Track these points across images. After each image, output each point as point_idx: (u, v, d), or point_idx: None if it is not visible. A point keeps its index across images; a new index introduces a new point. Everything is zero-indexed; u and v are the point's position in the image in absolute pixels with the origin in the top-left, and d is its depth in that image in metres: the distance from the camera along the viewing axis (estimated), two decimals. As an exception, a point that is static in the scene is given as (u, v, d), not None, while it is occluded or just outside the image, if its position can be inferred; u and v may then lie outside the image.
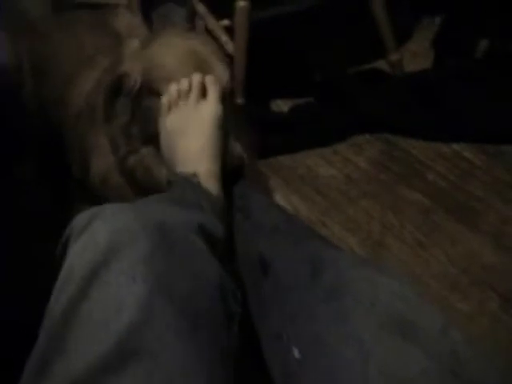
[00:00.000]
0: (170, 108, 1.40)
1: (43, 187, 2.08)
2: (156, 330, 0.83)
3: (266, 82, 2.24)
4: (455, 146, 2.15)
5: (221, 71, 1.42)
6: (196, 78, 1.38)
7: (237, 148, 1.35)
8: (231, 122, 1.41)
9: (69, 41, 2.00)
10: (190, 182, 1.25)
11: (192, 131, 1.33)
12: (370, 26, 2.24)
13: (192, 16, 2.53)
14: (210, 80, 1.38)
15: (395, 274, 1.04)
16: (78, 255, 0.91)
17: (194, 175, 1.27)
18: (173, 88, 1.39)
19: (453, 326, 0.87)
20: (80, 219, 0.97)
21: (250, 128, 1.68)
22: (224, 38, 2.22)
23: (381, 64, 2.42)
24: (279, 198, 1.77)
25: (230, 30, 2.23)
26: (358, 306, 0.92)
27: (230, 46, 2.17)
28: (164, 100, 1.40)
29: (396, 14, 2.30)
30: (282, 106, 2.32)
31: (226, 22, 2.31)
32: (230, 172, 1.33)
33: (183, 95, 1.38)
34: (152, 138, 1.45)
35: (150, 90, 1.42)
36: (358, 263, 1.08)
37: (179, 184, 1.26)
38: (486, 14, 2.37)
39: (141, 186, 1.56)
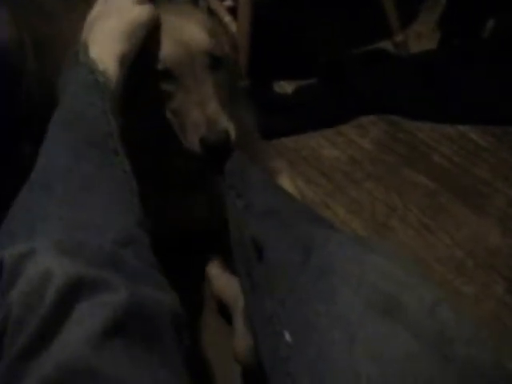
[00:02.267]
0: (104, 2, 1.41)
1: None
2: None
3: (269, 63, 2.21)
4: (461, 128, 2.13)
5: (198, 36, 1.38)
6: None
7: (223, 122, 1.32)
8: (234, 101, 1.40)
9: (76, 20, 1.99)
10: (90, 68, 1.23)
11: (113, 15, 1.33)
12: (375, 6, 2.22)
13: (195, -6, 2.51)
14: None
15: (389, 252, 1.02)
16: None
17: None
18: None
19: (443, 305, 0.86)
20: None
21: (254, 108, 1.66)
22: (227, 18, 2.21)
23: (386, 44, 2.40)
24: (285, 180, 1.75)
25: (233, 11, 2.21)
26: (345, 286, 0.91)
27: (233, 27, 2.16)
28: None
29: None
30: (285, 87, 2.30)
31: (228, 1, 2.29)
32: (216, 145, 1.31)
33: None
34: None
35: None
36: (349, 242, 1.07)
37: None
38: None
39: None
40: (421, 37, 2.46)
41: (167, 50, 1.35)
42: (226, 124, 1.32)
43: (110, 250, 0.92)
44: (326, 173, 2.01)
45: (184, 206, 1.60)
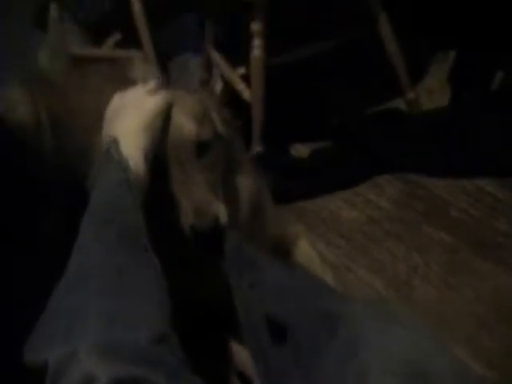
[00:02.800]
0: (120, 96, 1.48)
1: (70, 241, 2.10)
2: None
3: (284, 128, 2.25)
4: (478, 181, 2.14)
5: (185, 125, 1.41)
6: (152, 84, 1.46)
7: (212, 208, 1.35)
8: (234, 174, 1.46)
9: (89, 94, 2.04)
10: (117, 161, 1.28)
11: (130, 110, 1.38)
12: (385, 65, 2.26)
13: (208, 65, 2.56)
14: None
15: (410, 320, 1.04)
16: None
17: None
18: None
19: (471, 372, 0.88)
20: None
21: (268, 174, 1.68)
22: (241, 86, 2.25)
23: (398, 103, 2.43)
24: (303, 245, 1.77)
25: (246, 78, 2.25)
26: (374, 360, 0.93)
27: (246, 94, 2.19)
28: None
29: (410, 51, 2.31)
30: (301, 150, 2.33)
31: (242, 70, 2.33)
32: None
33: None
34: None
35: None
36: (371, 314, 1.09)
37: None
38: (499, 46, 2.37)
39: None
40: (432, 92, 2.49)
41: (152, 137, 1.38)
42: (215, 209, 1.34)
43: (147, 347, 0.94)
44: (345, 234, 2.03)
45: (198, 283, 1.62)
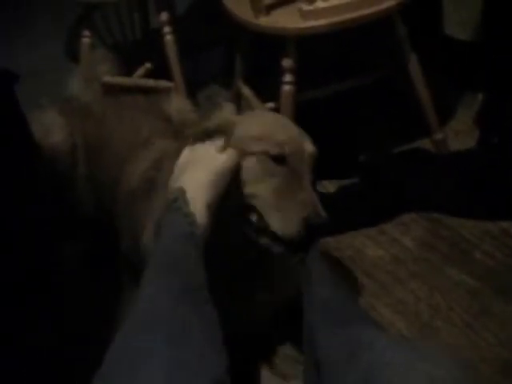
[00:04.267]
0: (192, 150, 1.51)
1: (94, 268, 2.12)
2: None
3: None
4: (503, 224, 2.14)
5: (308, 140, 1.54)
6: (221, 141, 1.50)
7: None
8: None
9: (125, 124, 2.08)
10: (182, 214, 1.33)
11: (200, 168, 1.42)
12: (414, 105, 2.27)
13: (237, 98, 2.58)
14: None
15: (434, 355, 1.06)
16: None
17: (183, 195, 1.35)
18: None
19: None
20: None
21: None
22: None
23: (425, 143, 2.44)
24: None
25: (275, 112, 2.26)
26: None
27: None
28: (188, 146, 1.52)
29: (438, 92, 2.33)
30: (328, 186, 2.34)
31: (271, 104, 2.35)
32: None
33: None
34: None
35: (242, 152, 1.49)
36: (394, 346, 1.11)
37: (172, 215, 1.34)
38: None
39: None
40: (459, 134, 2.49)
41: (284, 138, 1.47)
42: (325, 214, 1.44)
43: None
44: (370, 273, 2.03)
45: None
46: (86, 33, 2.63)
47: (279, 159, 1.45)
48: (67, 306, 1.97)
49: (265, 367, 1.74)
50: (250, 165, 1.47)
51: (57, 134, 2.08)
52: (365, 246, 2.13)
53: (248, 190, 1.47)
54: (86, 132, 2.11)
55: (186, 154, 1.50)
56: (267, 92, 2.34)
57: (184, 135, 2.02)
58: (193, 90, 2.81)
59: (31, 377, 1.73)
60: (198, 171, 1.40)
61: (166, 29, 2.55)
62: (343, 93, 2.35)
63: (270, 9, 2.07)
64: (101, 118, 2.15)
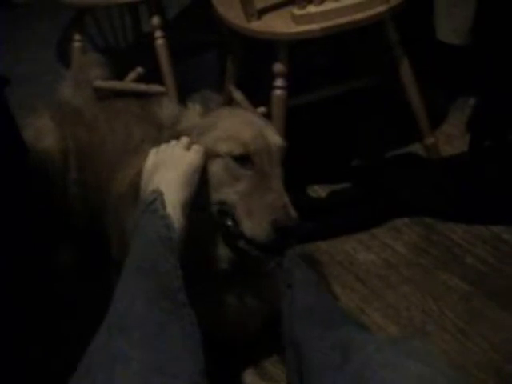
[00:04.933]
0: (156, 152, 1.51)
1: (84, 274, 2.11)
2: None
3: (302, 168, 2.26)
4: (494, 229, 2.14)
5: (275, 135, 1.51)
6: (185, 139, 1.50)
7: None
8: None
9: (117, 129, 2.07)
10: (155, 213, 1.33)
11: (170, 168, 1.42)
12: (405, 109, 2.27)
13: (229, 102, 2.57)
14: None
15: (425, 355, 1.06)
16: None
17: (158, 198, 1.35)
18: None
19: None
20: None
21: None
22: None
23: (416, 148, 2.44)
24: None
25: (267, 117, 2.25)
26: None
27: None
28: (153, 149, 1.53)
29: (430, 97, 2.33)
30: (319, 191, 2.34)
31: (262, 109, 2.34)
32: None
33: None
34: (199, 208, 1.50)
35: (210, 153, 1.48)
36: (386, 347, 1.11)
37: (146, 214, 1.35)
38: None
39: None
40: (451, 139, 2.50)
41: (248, 137, 1.46)
42: (295, 214, 1.40)
43: None
44: (361, 277, 2.03)
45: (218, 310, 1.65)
46: (78, 37, 2.63)
47: (244, 159, 1.44)
48: (60, 310, 1.97)
49: (254, 371, 1.73)
50: (214, 169, 1.47)
51: (48, 138, 2.08)
52: (356, 251, 2.13)
53: (217, 195, 1.48)
54: (78, 137, 2.11)
55: (152, 156, 1.51)
56: (259, 96, 2.33)
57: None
58: (184, 94, 2.79)
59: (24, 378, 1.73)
60: (169, 171, 1.41)
61: (158, 33, 2.54)
62: (335, 98, 2.35)
63: (261, 13, 2.06)
64: (92, 122, 2.14)
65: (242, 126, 1.50)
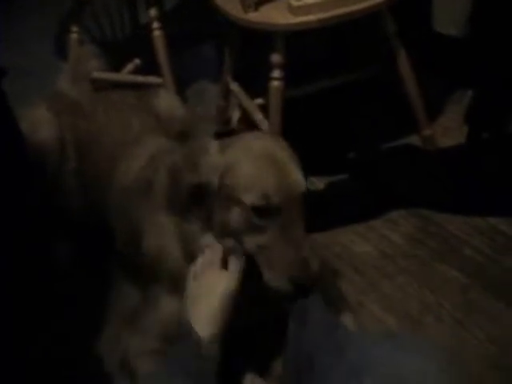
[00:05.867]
0: (194, 276, 1.48)
1: (81, 267, 2.11)
2: None
3: (300, 160, 2.26)
4: (491, 220, 2.15)
5: (298, 177, 1.44)
6: (219, 248, 1.47)
7: (314, 265, 1.39)
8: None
9: (114, 120, 2.07)
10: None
11: (207, 298, 1.42)
12: (403, 101, 2.27)
13: (226, 94, 2.57)
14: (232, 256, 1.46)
15: (421, 349, 1.07)
16: None
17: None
18: (199, 259, 1.49)
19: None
20: None
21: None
22: (258, 116, 2.25)
23: (414, 139, 2.44)
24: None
25: (264, 108, 2.26)
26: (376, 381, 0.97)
27: (264, 124, 2.20)
28: (192, 270, 1.50)
29: (428, 88, 2.32)
30: (316, 183, 2.34)
31: (259, 100, 2.34)
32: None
33: (206, 265, 1.47)
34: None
35: (228, 197, 1.45)
36: (382, 341, 1.13)
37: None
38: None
39: None
40: (448, 131, 2.49)
41: (271, 187, 1.39)
42: (316, 266, 1.40)
43: None
44: (358, 269, 2.03)
45: None
46: (75, 28, 2.63)
47: (266, 211, 1.39)
48: (59, 304, 1.96)
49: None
50: (235, 217, 1.44)
51: (45, 130, 2.07)
52: (353, 243, 2.14)
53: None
54: (75, 128, 2.10)
55: (191, 283, 1.50)
56: (256, 88, 2.33)
57: (172, 132, 2.03)
58: (182, 85, 2.80)
59: (24, 375, 1.73)
60: (205, 303, 1.42)
61: (155, 24, 2.54)
62: (332, 89, 2.35)
63: (258, 4, 2.06)
64: (90, 114, 2.14)
65: (265, 170, 1.42)
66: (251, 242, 1.43)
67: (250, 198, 1.39)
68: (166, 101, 2.23)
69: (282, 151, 1.48)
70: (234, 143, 1.52)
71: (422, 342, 1.22)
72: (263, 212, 1.39)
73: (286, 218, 1.39)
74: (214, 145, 1.52)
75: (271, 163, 1.43)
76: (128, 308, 1.89)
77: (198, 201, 1.51)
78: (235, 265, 1.44)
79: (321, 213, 2.17)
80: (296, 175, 1.44)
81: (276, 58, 2.08)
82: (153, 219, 1.72)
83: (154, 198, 1.72)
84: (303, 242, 1.39)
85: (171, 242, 1.66)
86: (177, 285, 1.67)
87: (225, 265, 1.45)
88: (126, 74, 2.71)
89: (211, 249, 1.48)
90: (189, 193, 1.51)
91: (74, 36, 2.63)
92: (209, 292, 1.42)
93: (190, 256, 1.58)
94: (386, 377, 1.00)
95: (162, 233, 1.69)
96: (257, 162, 1.44)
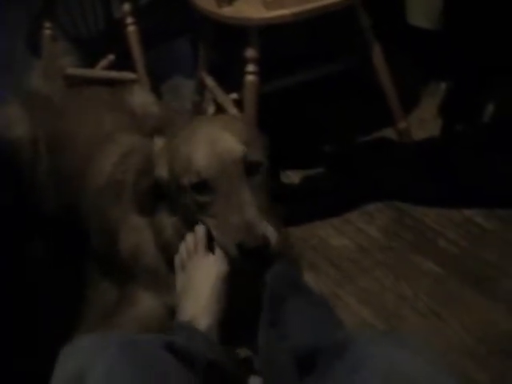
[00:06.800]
0: (182, 267, 1.49)
1: (56, 265, 2.09)
2: None
3: (275, 154, 2.26)
4: (466, 212, 2.16)
5: (230, 145, 1.45)
6: (201, 231, 1.47)
7: (262, 228, 1.37)
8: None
9: (87, 118, 2.06)
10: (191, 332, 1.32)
11: (198, 288, 1.41)
12: (377, 94, 2.27)
13: (201, 89, 2.57)
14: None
15: (414, 346, 1.08)
16: None
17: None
18: (182, 248, 1.50)
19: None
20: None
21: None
22: (233, 110, 2.25)
23: (389, 132, 2.45)
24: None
25: (239, 103, 2.25)
26: (375, 379, 0.98)
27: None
28: (176, 261, 1.51)
29: (401, 81, 2.33)
30: (292, 177, 2.34)
31: (234, 95, 2.34)
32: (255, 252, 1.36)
33: (191, 252, 1.48)
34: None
35: (175, 185, 1.47)
36: (376, 339, 1.13)
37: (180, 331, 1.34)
38: (491, 78, 2.39)
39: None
40: (423, 123, 2.50)
41: (201, 162, 1.42)
42: (265, 229, 1.37)
43: None
44: (334, 262, 2.04)
45: None
46: (48, 24, 2.61)
47: (203, 187, 1.41)
48: (34, 302, 1.95)
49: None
50: (184, 201, 1.47)
51: (18, 127, 2.06)
52: (329, 236, 2.14)
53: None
54: (48, 125, 2.09)
55: (179, 274, 1.50)
56: (231, 82, 2.33)
57: (146, 129, 2.02)
58: (156, 80, 2.79)
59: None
60: (197, 297, 1.40)
61: (129, 19, 2.53)
62: (307, 83, 2.35)
63: (232, -2, 2.06)
64: (63, 111, 2.13)
65: (196, 150, 1.44)
66: (204, 218, 1.45)
67: (186, 180, 1.43)
68: (141, 97, 2.22)
69: (221, 129, 1.49)
70: (180, 132, 1.55)
71: (412, 338, 1.22)
72: (202, 188, 1.42)
73: (225, 187, 1.40)
74: (158, 141, 1.55)
75: (204, 142, 1.45)
76: (104, 305, 1.89)
77: (160, 196, 1.55)
78: (220, 253, 1.44)
79: (296, 206, 2.18)
80: (227, 144, 1.44)
81: (250, 52, 2.07)
82: (126, 218, 1.72)
83: (125, 198, 1.72)
84: (246, 207, 1.37)
85: (146, 239, 1.67)
86: (154, 281, 1.67)
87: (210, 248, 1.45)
88: (100, 70, 2.70)
89: (192, 234, 1.49)
90: (149, 190, 1.55)
91: (47, 32, 2.61)
92: (200, 280, 1.42)
93: (165, 246, 1.59)
94: (380, 370, 1.01)
95: (136, 231, 1.70)
96: (192, 144, 1.46)
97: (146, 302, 1.70)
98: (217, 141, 1.45)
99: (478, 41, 2.27)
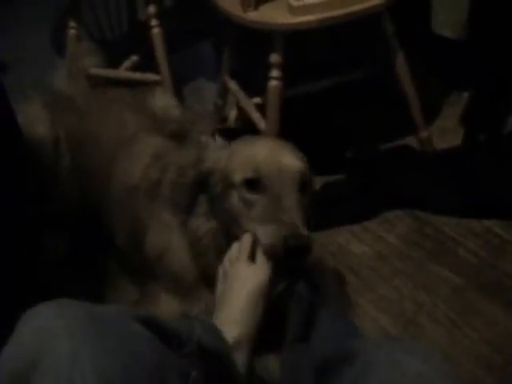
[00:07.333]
0: (224, 275, 1.47)
1: (77, 263, 2.10)
2: None
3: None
4: (486, 222, 2.15)
5: (292, 160, 1.51)
6: (246, 240, 1.44)
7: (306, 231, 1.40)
8: None
9: (110, 118, 2.07)
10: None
11: (234, 298, 1.38)
12: (400, 102, 2.27)
13: (224, 92, 2.57)
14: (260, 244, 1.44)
15: (423, 353, 1.08)
16: (5, 361, 0.96)
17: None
18: (226, 257, 1.49)
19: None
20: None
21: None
22: (255, 115, 2.26)
23: (410, 140, 2.45)
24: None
25: (261, 107, 2.26)
26: None
27: (261, 124, 2.20)
28: (220, 271, 1.49)
29: (424, 90, 2.33)
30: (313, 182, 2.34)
31: (257, 99, 2.35)
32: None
33: (233, 260, 1.46)
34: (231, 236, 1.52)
35: (226, 183, 1.49)
36: (385, 345, 1.13)
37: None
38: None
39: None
40: (445, 132, 2.50)
41: (262, 160, 1.47)
42: (309, 235, 1.39)
43: None
44: (354, 269, 2.04)
45: None
46: (73, 24, 2.62)
47: (256, 183, 1.44)
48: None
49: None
50: (232, 201, 1.48)
51: (40, 126, 2.07)
52: (349, 243, 2.14)
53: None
54: (71, 124, 2.10)
55: (220, 282, 1.49)
56: (255, 87, 2.33)
57: (166, 132, 2.03)
58: (179, 83, 2.80)
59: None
60: (236, 301, 1.38)
61: (154, 21, 2.54)
62: (330, 89, 2.35)
63: (258, 3, 2.06)
64: (86, 111, 2.14)
65: (260, 151, 1.50)
66: (248, 220, 1.45)
67: (240, 175, 1.46)
68: (162, 100, 2.23)
69: (283, 145, 1.56)
70: (239, 141, 1.60)
71: (421, 345, 1.22)
72: (254, 186, 1.44)
73: (276, 190, 1.43)
74: (218, 140, 1.58)
75: (267, 147, 1.52)
76: (125, 303, 1.89)
77: (202, 192, 1.57)
78: (263, 257, 1.42)
79: (316, 212, 2.18)
80: (288, 156, 1.50)
81: (275, 57, 2.08)
82: (158, 217, 1.73)
83: (160, 197, 1.72)
84: (294, 211, 1.41)
85: (177, 240, 1.67)
86: (179, 285, 1.67)
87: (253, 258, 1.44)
88: (123, 71, 2.71)
89: (238, 243, 1.48)
90: (193, 185, 1.56)
91: (71, 32, 2.63)
92: (237, 291, 1.40)
93: (199, 254, 1.61)
94: (388, 378, 1.02)
95: (166, 231, 1.70)
96: (255, 147, 1.53)
97: (166, 306, 1.70)
98: (279, 151, 1.51)
99: (502, 51, 2.27)
